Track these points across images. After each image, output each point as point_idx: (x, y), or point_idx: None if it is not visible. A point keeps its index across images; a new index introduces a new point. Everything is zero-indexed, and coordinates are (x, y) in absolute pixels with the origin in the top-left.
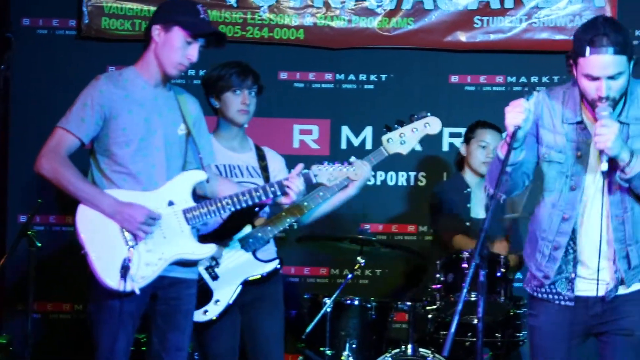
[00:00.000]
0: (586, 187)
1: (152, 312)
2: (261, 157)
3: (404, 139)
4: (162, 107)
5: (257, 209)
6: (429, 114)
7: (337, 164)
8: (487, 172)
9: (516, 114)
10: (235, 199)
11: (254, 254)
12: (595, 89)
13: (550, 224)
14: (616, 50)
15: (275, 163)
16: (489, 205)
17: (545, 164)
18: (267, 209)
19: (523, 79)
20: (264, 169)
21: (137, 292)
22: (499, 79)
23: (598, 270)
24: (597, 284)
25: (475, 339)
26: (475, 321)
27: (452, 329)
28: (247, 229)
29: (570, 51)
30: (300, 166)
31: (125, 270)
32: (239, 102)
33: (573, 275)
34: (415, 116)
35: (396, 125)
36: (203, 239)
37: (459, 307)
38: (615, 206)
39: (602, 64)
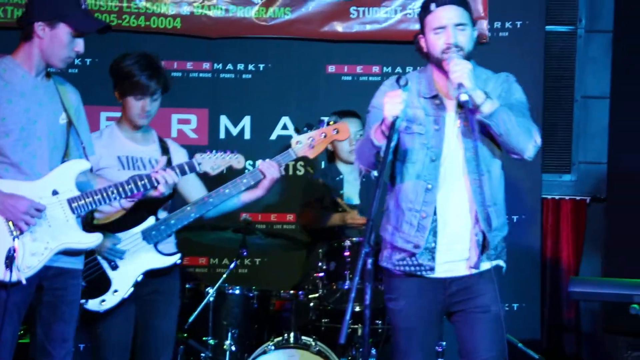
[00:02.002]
0: (444, 158)
1: (37, 303)
2: (164, 150)
3: (313, 143)
4: (43, 97)
5: (158, 203)
6: (339, 121)
7: (221, 152)
8: (357, 153)
9: (394, 104)
10: (120, 188)
11: (155, 246)
12: (444, 38)
13: (416, 195)
14: (459, 3)
15: (179, 155)
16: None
17: (407, 137)
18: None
19: (399, 69)
20: (167, 162)
21: (24, 282)
22: (375, 69)
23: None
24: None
25: (357, 326)
26: (358, 309)
27: (347, 317)
28: (151, 221)
29: (417, 31)
30: (163, 159)
31: (10, 260)
32: (139, 108)
33: (433, 244)
34: (325, 121)
35: (305, 129)
36: (102, 228)
37: (352, 294)
38: (472, 171)
39: (447, 14)
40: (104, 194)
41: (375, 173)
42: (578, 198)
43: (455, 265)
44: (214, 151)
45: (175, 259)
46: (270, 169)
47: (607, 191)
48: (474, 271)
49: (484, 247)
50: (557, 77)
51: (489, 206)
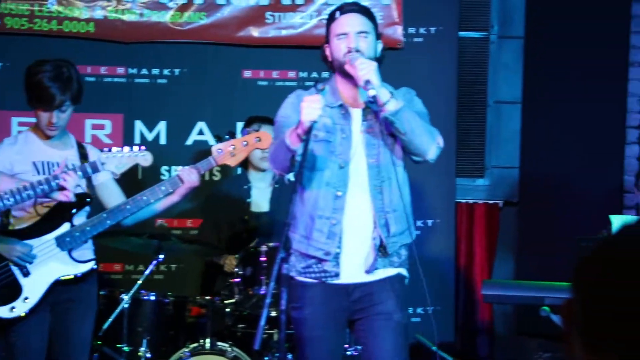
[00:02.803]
0: (351, 165)
1: None
2: (83, 155)
3: (234, 152)
4: None
5: (74, 210)
6: (260, 129)
7: (127, 148)
8: (271, 158)
9: (312, 109)
10: (15, 191)
11: (69, 253)
12: (346, 43)
13: (326, 202)
14: (362, 12)
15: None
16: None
17: (316, 145)
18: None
19: (315, 74)
20: None
21: None
22: (292, 74)
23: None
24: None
25: (273, 331)
26: (274, 313)
27: (262, 322)
28: (65, 228)
29: (324, 42)
30: (64, 162)
31: None
32: (45, 120)
33: (338, 250)
34: (247, 130)
35: (227, 137)
36: (16, 234)
37: (267, 300)
38: (373, 177)
39: (350, 21)
40: None
41: (290, 177)
42: (491, 202)
43: (358, 271)
44: (119, 149)
45: (90, 266)
46: (190, 175)
47: (519, 195)
48: (372, 278)
49: (380, 252)
50: (470, 82)
51: (387, 212)
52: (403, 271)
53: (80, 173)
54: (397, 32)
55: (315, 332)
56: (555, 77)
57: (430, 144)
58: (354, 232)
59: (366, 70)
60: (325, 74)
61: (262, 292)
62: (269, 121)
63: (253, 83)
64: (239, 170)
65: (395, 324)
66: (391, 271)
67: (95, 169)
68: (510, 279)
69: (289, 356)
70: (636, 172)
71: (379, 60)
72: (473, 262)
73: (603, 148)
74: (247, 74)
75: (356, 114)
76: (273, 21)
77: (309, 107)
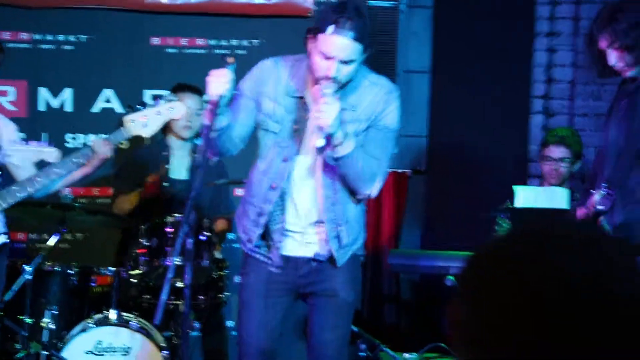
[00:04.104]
0: (298, 161)
1: None
2: None
3: (147, 122)
4: None
5: None
6: (174, 99)
7: (34, 143)
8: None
9: (219, 83)
10: None
11: None
12: (326, 68)
13: (259, 190)
14: (356, 37)
15: (8, 130)
16: (196, 169)
17: (262, 132)
18: None
19: (224, 42)
20: None
21: None
22: (200, 41)
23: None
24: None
25: (179, 302)
26: (179, 284)
27: (164, 296)
28: None
29: (312, 26)
30: None
31: None
32: None
33: (279, 244)
34: (160, 100)
35: (139, 107)
36: None
37: (169, 275)
38: (327, 187)
39: (340, 46)
40: None
41: (215, 158)
42: (400, 171)
43: (304, 250)
44: (27, 143)
45: (3, 238)
46: (102, 147)
47: (427, 164)
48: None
49: (329, 262)
50: (380, 51)
51: (340, 225)
52: (357, 251)
53: None
54: (307, 0)
55: (254, 297)
56: (464, 46)
57: (366, 189)
58: (295, 234)
59: (326, 117)
60: (234, 42)
61: (168, 263)
62: (192, 89)
63: (161, 50)
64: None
65: (341, 301)
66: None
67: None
68: (418, 248)
69: (197, 324)
70: (540, 142)
71: (368, 56)
72: (381, 230)
73: (509, 117)
74: (155, 41)
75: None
76: None
77: (216, 81)
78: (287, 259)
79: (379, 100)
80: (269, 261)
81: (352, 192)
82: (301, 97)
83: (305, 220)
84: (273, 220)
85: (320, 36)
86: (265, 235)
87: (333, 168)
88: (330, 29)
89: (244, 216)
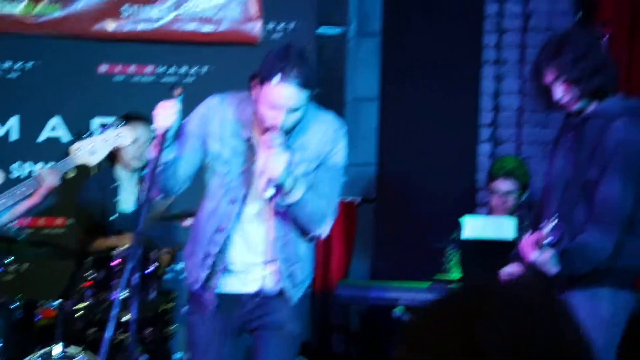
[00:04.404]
0: (246, 203)
1: None
2: None
3: (94, 150)
4: None
5: None
6: (121, 125)
7: None
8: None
9: (166, 116)
10: None
11: None
12: (273, 118)
13: (205, 231)
14: (303, 85)
15: None
16: (142, 205)
17: (209, 172)
18: None
19: (173, 69)
20: None
21: None
22: (149, 69)
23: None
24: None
25: (125, 336)
26: (125, 318)
27: (109, 333)
28: None
29: (257, 70)
30: None
31: None
32: None
33: (221, 284)
34: (107, 127)
35: (86, 134)
36: None
37: (114, 310)
38: (278, 227)
39: (286, 96)
40: None
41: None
42: (348, 199)
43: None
44: None
45: None
46: (49, 176)
47: (376, 192)
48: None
49: (280, 296)
50: (328, 79)
51: (293, 264)
52: (306, 291)
53: None
54: (255, 28)
55: (204, 338)
56: (412, 74)
57: (316, 230)
58: (241, 272)
59: (274, 169)
60: (182, 69)
61: (114, 297)
62: (141, 118)
63: (109, 78)
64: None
65: (287, 334)
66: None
67: None
68: (367, 278)
69: (144, 357)
70: (488, 172)
71: (312, 93)
72: (330, 260)
73: (458, 146)
74: (103, 68)
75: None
76: (130, 15)
77: (162, 113)
78: (231, 297)
79: (328, 139)
80: (210, 303)
81: (303, 233)
82: (248, 139)
83: (255, 258)
84: (219, 261)
85: (266, 86)
86: (211, 276)
87: (283, 212)
88: (276, 79)
89: (192, 256)
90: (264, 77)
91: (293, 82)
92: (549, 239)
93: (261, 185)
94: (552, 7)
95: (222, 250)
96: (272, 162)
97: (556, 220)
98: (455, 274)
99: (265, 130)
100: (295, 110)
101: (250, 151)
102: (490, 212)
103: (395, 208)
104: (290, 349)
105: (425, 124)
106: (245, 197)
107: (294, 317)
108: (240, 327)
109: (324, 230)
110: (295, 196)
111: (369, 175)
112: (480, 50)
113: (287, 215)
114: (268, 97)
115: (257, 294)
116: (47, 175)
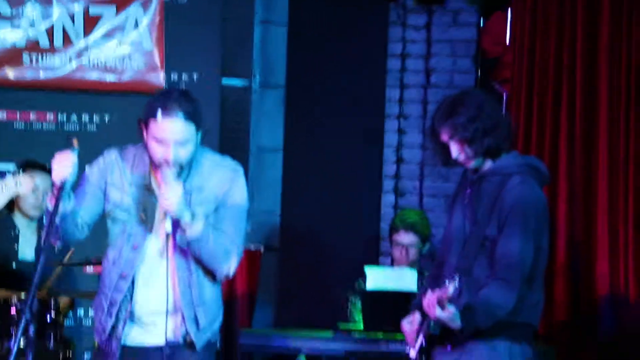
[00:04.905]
0: (148, 248)
1: None
2: None
3: None
4: None
5: None
6: (20, 173)
7: None
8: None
9: (63, 167)
10: None
11: None
12: (163, 153)
13: (110, 280)
14: (186, 117)
15: None
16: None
17: (110, 221)
18: None
19: (74, 117)
20: None
21: None
22: (50, 116)
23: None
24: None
25: None
26: None
27: None
28: None
29: (142, 115)
30: None
31: None
32: None
33: (122, 334)
34: (6, 174)
35: None
36: None
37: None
38: (181, 270)
39: (172, 129)
40: None
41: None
42: (252, 248)
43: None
44: None
45: None
46: None
47: (279, 241)
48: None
49: (187, 345)
50: (233, 129)
51: (197, 306)
52: (213, 337)
53: None
54: (159, 78)
55: None
56: (316, 125)
57: (222, 265)
58: (148, 315)
59: (169, 200)
60: (86, 116)
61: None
62: (42, 167)
63: (9, 125)
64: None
65: None
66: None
67: None
68: (270, 326)
69: None
70: (390, 224)
71: (200, 129)
72: (234, 307)
73: (361, 196)
74: (2, 115)
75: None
76: (30, 62)
77: (59, 165)
78: (136, 350)
79: (225, 180)
80: (113, 356)
81: (209, 272)
82: (147, 185)
83: (158, 306)
84: (123, 308)
85: (151, 123)
86: (116, 325)
87: (186, 251)
88: (159, 114)
89: (99, 308)
90: (148, 116)
91: (176, 115)
92: (451, 295)
93: (162, 224)
94: (453, 65)
95: (126, 297)
96: (167, 195)
97: (457, 279)
98: (358, 323)
99: (158, 167)
100: (184, 143)
101: (148, 197)
102: (392, 262)
103: (299, 257)
104: None
105: (329, 174)
106: (145, 241)
107: None
108: None
109: (228, 268)
110: (194, 230)
111: (273, 223)
112: (384, 104)
113: (189, 253)
114: (154, 133)
115: (162, 347)
116: None
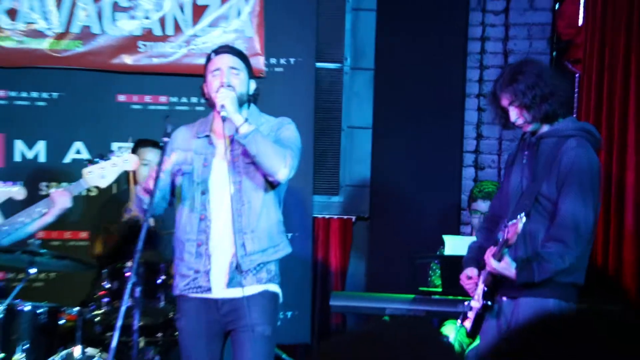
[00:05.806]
0: (213, 190)
1: None
2: None
3: (104, 173)
4: None
5: None
6: (127, 152)
7: (0, 183)
8: (135, 199)
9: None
10: None
11: None
12: (220, 78)
13: (192, 226)
14: (234, 53)
15: None
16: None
17: (180, 178)
18: None
19: (184, 99)
20: None
21: None
22: (163, 98)
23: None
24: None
25: (140, 339)
26: (142, 323)
27: (114, 344)
28: None
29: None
30: None
31: None
32: None
33: (209, 267)
34: (115, 152)
35: (97, 159)
36: None
37: (119, 322)
38: (236, 201)
39: (223, 60)
40: None
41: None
42: (345, 217)
43: (225, 287)
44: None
45: None
46: (61, 197)
47: (370, 211)
48: (239, 294)
49: (237, 269)
50: (326, 109)
51: (245, 233)
52: (271, 287)
53: None
54: (259, 62)
55: (189, 340)
56: (402, 105)
57: (279, 165)
58: (219, 251)
59: (222, 97)
60: (194, 99)
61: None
62: (151, 143)
63: (126, 106)
64: (115, 188)
65: (258, 335)
66: (259, 287)
67: None
68: (361, 289)
69: (157, 358)
70: (469, 195)
71: (255, 97)
72: (329, 272)
73: (444, 170)
74: (121, 98)
75: (221, 144)
76: (145, 50)
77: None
78: (206, 301)
79: (274, 125)
80: (202, 289)
81: (266, 174)
82: (207, 136)
83: (222, 242)
84: (210, 248)
85: (208, 65)
86: (188, 280)
87: (241, 182)
88: (212, 54)
89: (184, 255)
90: (205, 66)
91: (225, 52)
92: (505, 247)
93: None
94: (530, 47)
95: (208, 236)
96: (221, 94)
97: (524, 217)
98: (438, 288)
99: (214, 97)
100: (236, 71)
101: (209, 147)
102: (471, 230)
103: (387, 226)
104: (262, 350)
105: (415, 150)
106: (211, 186)
107: (263, 319)
108: (219, 330)
109: (284, 171)
110: (246, 128)
111: (364, 195)
112: (464, 84)
113: (244, 187)
114: (210, 68)
115: (232, 299)
116: (60, 196)
